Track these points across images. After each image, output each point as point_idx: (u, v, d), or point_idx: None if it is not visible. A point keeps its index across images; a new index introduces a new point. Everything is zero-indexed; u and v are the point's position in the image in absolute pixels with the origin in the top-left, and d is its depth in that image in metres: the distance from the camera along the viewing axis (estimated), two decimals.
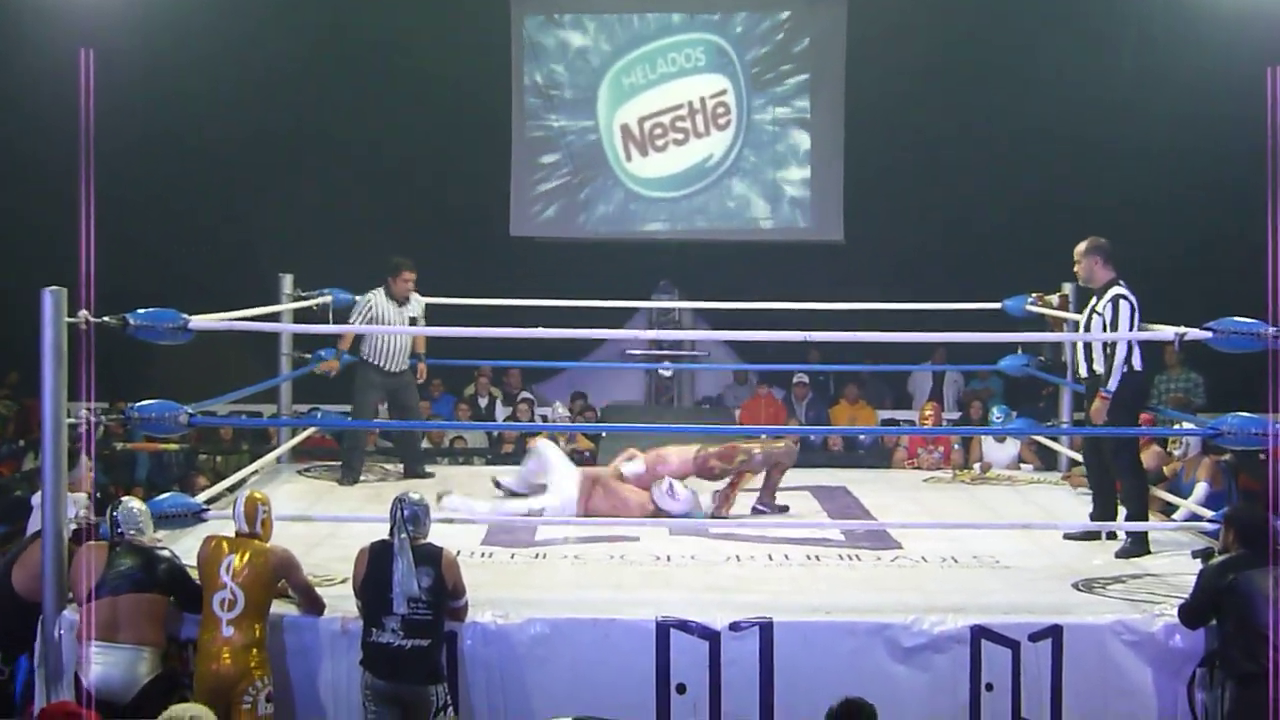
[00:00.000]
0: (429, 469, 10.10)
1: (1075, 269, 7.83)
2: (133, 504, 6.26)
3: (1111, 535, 7.65)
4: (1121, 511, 7.72)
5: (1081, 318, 7.89)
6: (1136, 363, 7.48)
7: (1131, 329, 7.43)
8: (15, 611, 6.26)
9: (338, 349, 9.64)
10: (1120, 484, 7.71)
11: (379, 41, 15.08)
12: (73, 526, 6.32)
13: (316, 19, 15.07)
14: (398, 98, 15.16)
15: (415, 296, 9.64)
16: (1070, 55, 14.74)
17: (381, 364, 9.59)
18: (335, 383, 10.10)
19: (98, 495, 6.95)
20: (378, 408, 9.78)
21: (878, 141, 15.18)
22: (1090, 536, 7.71)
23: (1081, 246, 7.77)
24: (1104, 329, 7.51)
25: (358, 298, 9.64)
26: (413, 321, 9.58)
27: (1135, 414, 7.81)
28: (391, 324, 9.47)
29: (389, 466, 10.28)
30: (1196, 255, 14.47)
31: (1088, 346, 7.65)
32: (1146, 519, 7.65)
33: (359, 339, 9.54)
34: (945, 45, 14.91)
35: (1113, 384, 7.43)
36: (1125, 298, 7.49)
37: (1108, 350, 7.48)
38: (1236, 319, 6.77)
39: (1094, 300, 7.71)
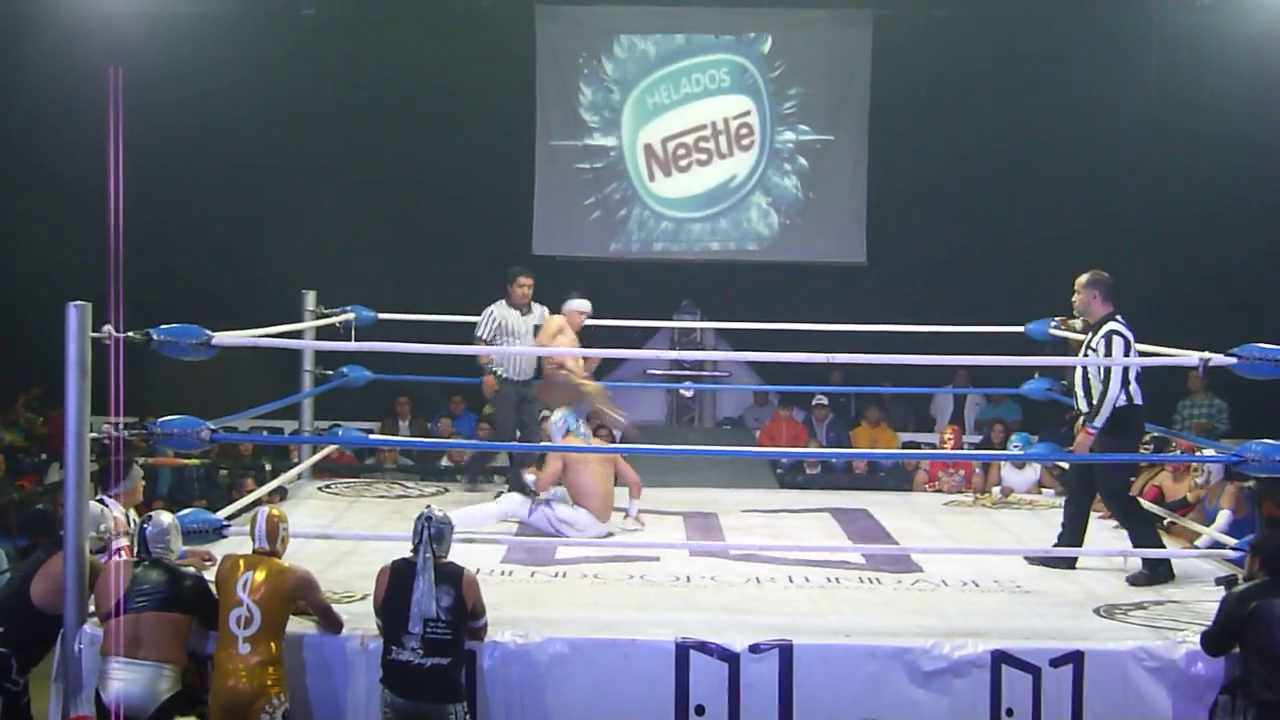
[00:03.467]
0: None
1: (1074, 299, 7.81)
2: (163, 519, 6.25)
3: (1073, 564, 7.65)
4: (1090, 540, 7.77)
5: (1081, 353, 7.82)
6: (1136, 396, 7.44)
7: (1119, 365, 7.37)
8: (32, 624, 6.27)
9: (481, 363, 9.77)
10: (1125, 529, 7.70)
11: (404, 60, 15.12)
12: (118, 543, 6.35)
13: (342, 38, 15.12)
14: (422, 117, 15.21)
15: (537, 306, 9.73)
16: (1094, 78, 14.71)
17: (508, 375, 9.67)
18: (356, 399, 10.12)
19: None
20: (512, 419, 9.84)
21: (901, 163, 15.16)
22: (1051, 563, 7.68)
23: (1083, 279, 7.74)
24: (1097, 365, 7.47)
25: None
26: (536, 329, 9.63)
27: (1128, 449, 7.66)
28: (515, 332, 9.58)
29: (409, 484, 10.29)
30: (1222, 276, 14.41)
31: (1085, 381, 7.58)
32: (1159, 543, 7.59)
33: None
34: (969, 68, 14.89)
35: (1100, 420, 7.41)
36: (1119, 333, 7.45)
37: (1101, 385, 7.43)
38: (1261, 345, 6.73)
39: (1090, 335, 7.67)
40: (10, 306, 14.30)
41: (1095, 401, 7.47)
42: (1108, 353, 7.43)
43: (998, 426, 12.48)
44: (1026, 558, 7.79)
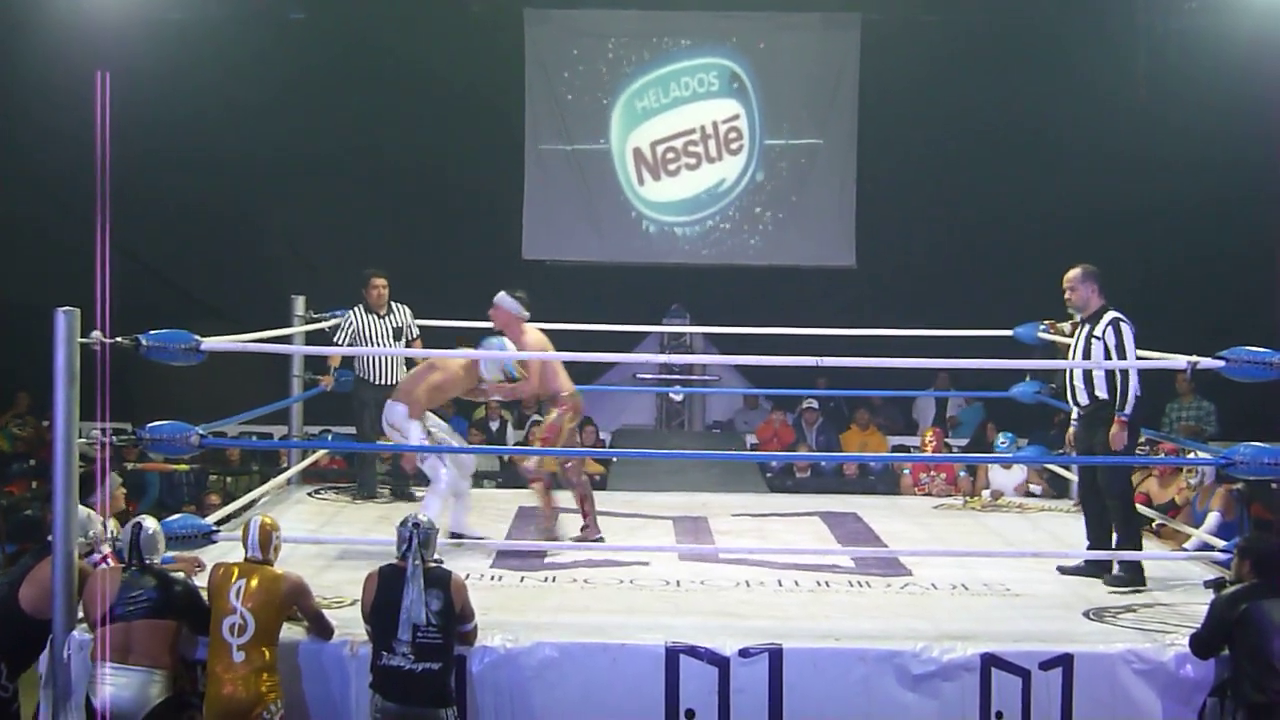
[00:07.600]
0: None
1: (1068, 295, 7.71)
2: (149, 526, 6.24)
3: (1109, 568, 7.55)
4: (1073, 541, 7.69)
5: (1074, 345, 7.73)
6: (1139, 385, 7.45)
7: (1133, 351, 7.40)
8: (22, 629, 6.26)
9: (330, 365, 9.87)
10: (1111, 507, 7.62)
11: (393, 64, 15.13)
12: (101, 550, 6.33)
13: (330, 42, 15.13)
14: (412, 121, 15.20)
15: (399, 307, 9.75)
16: (1083, 82, 14.74)
17: (369, 378, 9.67)
18: (347, 405, 10.12)
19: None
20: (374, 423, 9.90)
21: (889, 167, 15.19)
22: (1086, 571, 7.57)
23: (1075, 273, 7.69)
24: (1106, 354, 7.45)
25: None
26: (396, 331, 9.65)
27: (1138, 437, 7.73)
28: (370, 336, 9.59)
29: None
30: (1206, 274, 14.43)
31: (1087, 373, 7.54)
32: (1140, 546, 7.56)
33: (351, 355, 9.75)
34: (956, 72, 14.92)
35: (1129, 408, 7.35)
36: (1124, 321, 7.47)
37: (1114, 376, 7.39)
38: (1249, 348, 6.73)
39: (1087, 327, 7.61)
40: None
41: (1116, 394, 7.37)
42: (1119, 341, 7.41)
43: (989, 428, 12.50)
44: (1059, 568, 7.68)
